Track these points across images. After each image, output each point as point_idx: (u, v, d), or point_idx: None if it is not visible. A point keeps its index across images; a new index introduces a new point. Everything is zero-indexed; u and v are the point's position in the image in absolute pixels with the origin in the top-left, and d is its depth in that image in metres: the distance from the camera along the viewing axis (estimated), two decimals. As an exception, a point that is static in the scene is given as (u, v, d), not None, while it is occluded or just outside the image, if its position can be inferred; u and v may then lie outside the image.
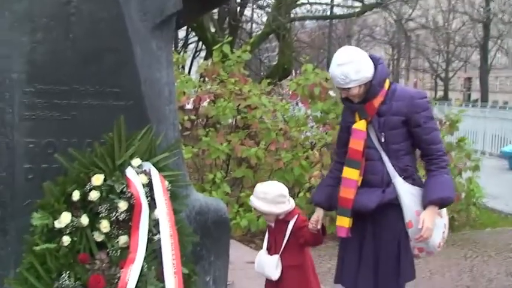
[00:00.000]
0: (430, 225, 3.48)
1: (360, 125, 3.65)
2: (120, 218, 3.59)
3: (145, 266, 3.58)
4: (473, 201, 8.57)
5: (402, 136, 3.62)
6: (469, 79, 62.60)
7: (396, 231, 3.63)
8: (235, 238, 7.18)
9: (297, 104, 8.94)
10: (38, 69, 3.77)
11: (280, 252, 4.06)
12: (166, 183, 3.76)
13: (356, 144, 3.66)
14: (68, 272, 3.45)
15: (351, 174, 3.67)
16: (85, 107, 3.87)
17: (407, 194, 3.59)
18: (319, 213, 3.98)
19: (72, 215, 3.53)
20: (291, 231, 4.05)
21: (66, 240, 3.50)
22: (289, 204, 4.09)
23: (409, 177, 3.64)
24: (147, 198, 3.63)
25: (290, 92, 8.46)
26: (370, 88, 3.60)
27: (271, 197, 4.05)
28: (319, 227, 3.96)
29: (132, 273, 3.52)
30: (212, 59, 8.46)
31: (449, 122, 8.55)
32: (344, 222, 3.69)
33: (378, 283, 3.65)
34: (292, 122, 8.02)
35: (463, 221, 8.78)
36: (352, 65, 3.54)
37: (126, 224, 3.62)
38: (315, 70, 8.02)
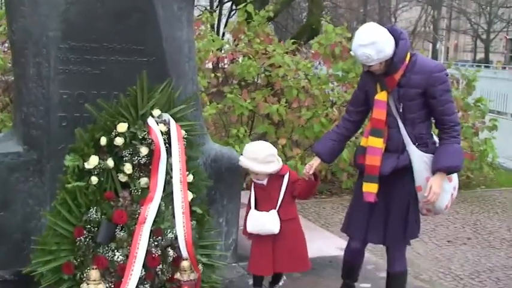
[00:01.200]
0: (437, 190, 3.72)
1: (382, 95, 3.84)
2: (142, 162, 4.07)
3: (163, 204, 4.08)
4: (487, 160, 8.83)
5: (418, 106, 3.81)
6: (511, 40, 61.35)
7: (406, 193, 3.88)
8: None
9: (319, 63, 9.25)
10: (72, 27, 4.24)
11: (278, 206, 4.12)
12: (183, 132, 4.22)
13: (379, 114, 3.81)
14: (95, 208, 3.96)
15: (376, 142, 3.82)
16: (112, 62, 4.34)
17: (420, 160, 3.81)
18: (315, 161, 4.10)
19: (100, 158, 4.02)
20: (286, 185, 4.15)
21: (94, 179, 4.00)
22: (279, 162, 4.17)
23: (423, 144, 3.84)
24: (165, 144, 4.10)
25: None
26: (391, 64, 3.75)
27: (261, 157, 4.10)
28: (311, 172, 4.05)
29: (150, 210, 4.01)
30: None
31: (465, 81, 8.83)
32: (372, 188, 3.82)
33: (385, 238, 3.95)
34: (314, 80, 8.32)
35: (479, 181, 9.11)
36: (374, 46, 3.67)
37: (147, 167, 4.11)
38: (335, 30, 8.34)
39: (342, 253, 4.15)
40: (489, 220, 7.17)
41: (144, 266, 3.93)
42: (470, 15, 50.91)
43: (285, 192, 4.13)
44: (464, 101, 8.83)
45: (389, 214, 3.90)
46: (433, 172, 3.75)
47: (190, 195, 4.19)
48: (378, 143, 3.81)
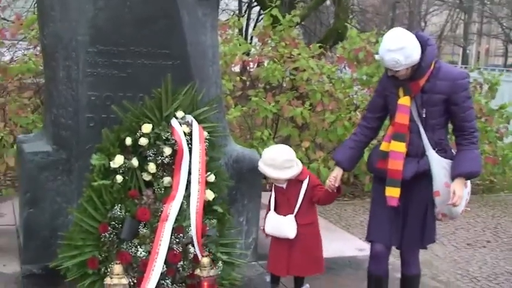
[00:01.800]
0: (461, 193, 3.76)
1: (405, 100, 3.79)
2: (165, 162, 4.22)
3: (185, 203, 4.22)
4: (511, 165, 8.80)
5: (440, 112, 3.84)
6: (543, 45, 60.40)
7: (424, 198, 3.90)
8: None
9: (344, 67, 9.33)
10: (100, 32, 4.41)
11: (296, 212, 4.15)
12: (206, 133, 4.36)
13: (402, 118, 3.80)
14: (119, 205, 4.11)
15: (398, 147, 3.81)
16: (139, 66, 4.50)
17: (439, 166, 3.84)
18: (338, 171, 4.08)
19: (125, 158, 4.18)
20: (305, 191, 4.16)
21: (119, 178, 4.16)
22: (298, 167, 4.19)
23: (442, 149, 3.88)
24: (188, 145, 4.24)
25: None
26: (418, 69, 3.76)
27: (279, 162, 4.12)
28: (337, 184, 4.05)
29: (172, 208, 4.16)
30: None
31: (488, 85, 8.85)
32: (394, 192, 3.81)
33: (402, 242, 3.95)
34: (338, 84, 8.41)
35: (502, 185, 9.11)
36: (402, 51, 3.64)
37: (170, 167, 4.26)
38: (360, 35, 8.44)
39: (361, 254, 4.17)
40: (510, 224, 7.18)
41: (165, 262, 4.07)
42: (501, 19, 50.35)
43: (303, 197, 4.15)
44: (488, 106, 8.83)
45: (407, 218, 3.93)
46: (453, 177, 3.78)
47: (211, 195, 4.33)
48: (401, 147, 3.82)
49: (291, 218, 4.14)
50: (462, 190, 3.76)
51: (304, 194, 4.15)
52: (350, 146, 4.11)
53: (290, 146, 7.97)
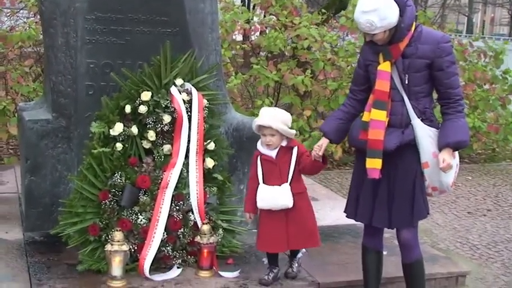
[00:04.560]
0: (450, 161, 3.63)
1: (385, 66, 3.64)
2: (165, 129, 4.23)
3: (185, 171, 4.24)
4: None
5: (424, 78, 3.71)
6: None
7: (412, 171, 3.70)
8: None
9: (347, 34, 9.27)
10: (98, -1, 4.38)
11: (290, 180, 4.00)
12: (205, 101, 4.36)
13: (382, 85, 3.65)
14: (119, 173, 4.13)
15: (379, 115, 3.65)
16: (137, 33, 4.47)
17: (425, 135, 3.65)
18: (323, 141, 3.91)
19: (124, 125, 4.19)
20: (296, 158, 4.03)
21: (119, 146, 4.17)
22: (293, 131, 4.08)
23: (427, 119, 3.75)
24: (187, 113, 4.24)
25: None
26: (397, 32, 3.62)
27: (281, 117, 4.00)
28: (320, 153, 3.88)
29: (172, 175, 4.17)
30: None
31: (493, 54, 8.80)
32: (376, 163, 3.64)
33: (391, 220, 3.80)
34: (341, 52, 8.37)
35: (505, 154, 9.10)
36: (377, 13, 3.47)
37: (169, 135, 4.26)
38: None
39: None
40: (511, 192, 7.20)
41: (166, 229, 4.11)
42: (507, -13, 49.86)
43: (295, 165, 4.02)
44: (492, 72, 8.77)
45: (394, 195, 3.74)
46: (441, 148, 3.64)
47: (211, 162, 4.34)
48: (381, 115, 3.64)
49: (286, 186, 3.98)
50: (451, 159, 3.63)
51: (296, 161, 4.02)
52: (338, 117, 3.94)
53: (291, 115, 8.05)
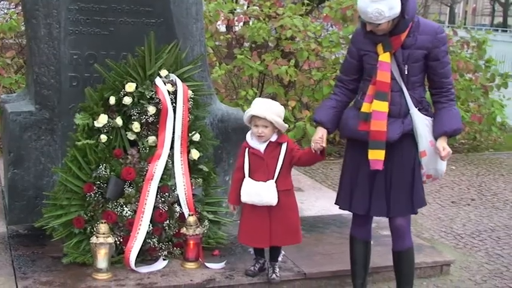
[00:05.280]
0: (449, 149, 3.67)
1: (385, 57, 3.62)
2: (149, 121, 4.21)
3: (170, 162, 4.22)
4: (497, 122, 8.83)
5: (420, 68, 3.67)
6: (530, 4, 60.21)
7: (411, 160, 3.71)
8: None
9: (331, 26, 9.26)
10: (81, -11, 4.34)
11: (276, 177, 3.92)
12: (190, 92, 4.33)
13: (384, 76, 3.63)
14: (104, 164, 4.10)
15: (381, 106, 3.63)
16: (121, 24, 4.45)
17: (423, 124, 3.68)
18: (323, 131, 3.83)
19: (109, 117, 4.16)
20: (285, 154, 3.95)
21: (103, 137, 4.14)
22: (286, 125, 4.01)
23: (423, 108, 3.77)
24: (172, 104, 4.22)
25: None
26: (400, 22, 3.61)
27: (275, 110, 3.93)
28: (324, 144, 3.79)
29: (158, 167, 4.15)
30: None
31: (476, 44, 8.85)
32: (379, 155, 3.63)
33: (390, 210, 3.79)
34: (325, 42, 8.35)
35: (488, 144, 9.16)
36: (386, 2, 3.47)
37: (154, 126, 4.24)
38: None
39: (346, 212, 4.01)
40: (494, 182, 7.25)
41: (151, 221, 4.09)
42: (489, -23, 50.00)
43: (283, 161, 3.94)
44: (476, 62, 8.81)
45: (392, 184, 3.75)
46: (438, 136, 3.69)
47: (197, 154, 4.32)
48: (383, 106, 3.63)
49: (271, 183, 3.89)
50: (448, 147, 3.69)
51: (284, 158, 3.94)
52: (332, 105, 3.87)
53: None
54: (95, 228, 3.96)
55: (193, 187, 4.28)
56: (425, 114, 3.73)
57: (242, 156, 4.01)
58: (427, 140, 3.71)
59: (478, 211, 6.15)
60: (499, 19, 52.61)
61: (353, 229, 3.99)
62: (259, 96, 8.34)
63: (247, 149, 3.99)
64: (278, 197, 3.90)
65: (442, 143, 3.68)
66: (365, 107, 3.70)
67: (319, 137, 3.80)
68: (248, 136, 4.02)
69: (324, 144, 3.80)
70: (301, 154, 3.95)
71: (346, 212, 4.02)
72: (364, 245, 3.98)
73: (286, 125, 4.03)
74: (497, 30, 31.05)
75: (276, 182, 3.91)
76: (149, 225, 4.08)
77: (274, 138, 3.95)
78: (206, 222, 4.33)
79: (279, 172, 3.93)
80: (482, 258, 4.98)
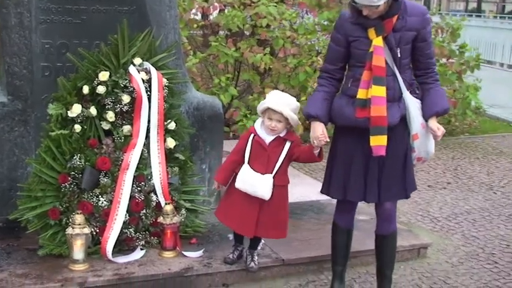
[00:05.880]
0: (443, 129, 3.68)
1: (379, 41, 3.59)
2: (124, 110, 4.16)
3: (145, 151, 4.18)
4: (471, 107, 8.90)
5: (409, 50, 3.67)
6: (504, -10, 60.58)
7: (403, 144, 3.70)
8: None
9: (306, 12, 9.25)
10: (51, -23, 4.27)
11: (275, 172, 3.88)
12: (165, 80, 4.29)
13: (379, 60, 3.59)
14: (79, 155, 4.06)
15: (379, 91, 3.59)
16: (93, 12, 4.38)
17: (415, 107, 3.68)
18: (322, 126, 3.73)
19: (83, 106, 4.11)
20: (287, 151, 3.89)
21: (77, 127, 4.09)
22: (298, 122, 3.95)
23: (413, 91, 3.78)
24: (146, 92, 4.18)
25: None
26: (393, 5, 3.55)
27: (293, 106, 3.87)
28: (327, 139, 3.72)
29: (133, 156, 4.12)
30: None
31: (450, 29, 8.88)
32: (381, 140, 3.59)
33: (382, 194, 3.77)
34: (301, 29, 8.32)
35: (463, 128, 9.23)
36: None
37: (129, 115, 4.20)
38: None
39: (323, 198, 4.04)
40: (470, 165, 7.31)
41: (128, 211, 4.06)
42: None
43: (284, 158, 3.89)
44: (449, 47, 8.85)
45: (385, 169, 3.72)
46: (429, 116, 3.68)
47: (172, 142, 4.29)
48: (382, 91, 3.59)
49: (269, 178, 3.86)
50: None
51: (286, 154, 3.89)
52: (323, 97, 3.77)
53: (252, 93, 8.01)
54: (70, 219, 3.92)
55: (170, 176, 4.25)
56: (415, 97, 3.73)
57: (245, 140, 3.94)
58: (419, 122, 3.70)
59: (454, 194, 6.20)
60: (473, 4, 52.89)
61: (337, 217, 3.96)
62: (235, 84, 8.32)
63: (252, 135, 3.92)
64: (272, 192, 3.86)
65: (435, 123, 3.68)
66: (361, 93, 3.64)
67: (321, 133, 3.71)
68: (258, 124, 3.94)
69: (327, 139, 3.72)
70: (300, 152, 3.90)
71: (324, 198, 4.02)
72: (346, 234, 3.97)
73: (299, 122, 3.97)
74: (471, 15, 31.23)
75: (274, 177, 3.87)
76: (126, 215, 4.05)
77: (283, 133, 3.90)
78: (183, 211, 4.31)
79: (279, 167, 3.89)
80: (458, 241, 5.02)
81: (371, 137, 3.60)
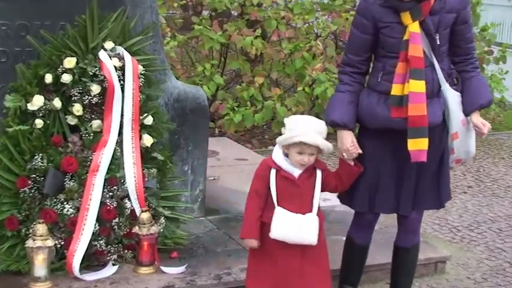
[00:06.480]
0: (489, 124, 3.70)
1: (416, 27, 3.56)
2: (93, 102, 4.16)
3: (118, 150, 4.19)
4: (495, 98, 8.90)
5: (448, 36, 3.64)
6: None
7: (441, 145, 3.70)
8: (231, 137, 7.79)
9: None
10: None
11: (316, 209, 3.65)
12: (141, 67, 4.30)
13: (417, 50, 3.55)
14: (40, 154, 4.05)
15: (418, 86, 3.54)
16: (58, -12, 4.38)
17: (456, 102, 3.66)
18: (351, 136, 3.70)
19: (45, 98, 4.11)
20: (321, 182, 3.69)
21: (39, 122, 4.09)
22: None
23: (452, 82, 3.71)
24: (119, 82, 4.18)
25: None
26: None
27: (323, 130, 3.66)
28: (360, 151, 3.68)
29: (104, 156, 4.12)
30: None
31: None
32: (422, 144, 3.55)
33: (415, 204, 3.78)
34: (297, 8, 8.33)
35: (486, 123, 9.26)
36: None
37: (99, 108, 4.20)
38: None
39: (325, 204, 4.04)
40: (494, 166, 7.37)
41: (97, 219, 4.06)
42: None
43: (319, 190, 3.68)
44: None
45: (420, 175, 3.72)
46: (473, 110, 3.68)
47: (149, 140, 4.30)
48: (421, 86, 3.55)
49: (314, 218, 3.61)
50: None
51: (320, 186, 3.68)
52: (349, 100, 3.73)
53: (241, 82, 8.02)
54: (30, 230, 3.92)
55: (146, 179, 4.26)
56: (455, 89, 3.72)
57: (265, 179, 3.69)
58: (459, 119, 3.69)
59: (476, 200, 6.25)
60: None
61: (354, 232, 3.95)
62: (221, 73, 8.33)
63: (274, 171, 3.68)
64: None
65: (479, 118, 3.69)
66: (396, 89, 3.60)
67: (351, 144, 3.68)
68: (279, 155, 3.69)
69: (360, 150, 3.69)
70: (334, 177, 3.75)
71: (325, 204, 4.04)
72: (364, 251, 3.99)
73: (331, 146, 3.71)
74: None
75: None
76: (95, 224, 4.05)
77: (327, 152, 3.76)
78: (162, 220, 4.32)
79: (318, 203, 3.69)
80: (481, 254, 5.06)
81: (409, 140, 3.57)
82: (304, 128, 3.60)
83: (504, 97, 9.40)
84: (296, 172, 3.64)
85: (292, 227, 3.59)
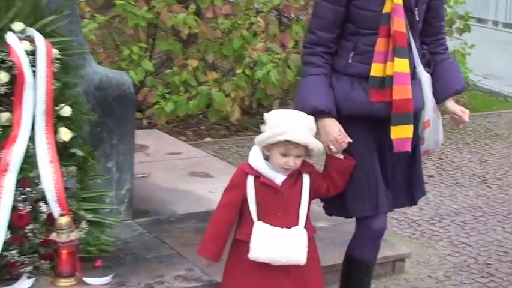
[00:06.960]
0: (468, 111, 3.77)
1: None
2: (1, 92, 4.12)
3: (31, 146, 4.15)
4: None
5: (424, 12, 3.68)
6: None
7: (416, 135, 3.65)
8: (163, 129, 7.78)
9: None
10: None
11: (303, 221, 3.52)
12: (55, 51, 4.27)
13: (400, 25, 3.52)
14: None
15: (403, 66, 3.53)
16: (-45, -40, 4.32)
17: (429, 87, 3.68)
18: (336, 123, 3.60)
19: None
20: (309, 188, 3.57)
21: None
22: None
23: (426, 63, 3.73)
24: (31, 68, 4.14)
25: None
26: None
27: (312, 126, 3.54)
28: (349, 139, 3.57)
29: (14, 153, 4.08)
30: None
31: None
32: (406, 132, 3.52)
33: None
34: (234, -20, 8.40)
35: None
36: None
37: (8, 99, 4.16)
38: None
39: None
40: (457, 153, 7.50)
41: (9, 226, 4.03)
42: None
43: (308, 198, 3.56)
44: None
45: (393, 171, 3.74)
46: (448, 96, 3.74)
47: (67, 134, 4.27)
48: (406, 66, 3.54)
49: (301, 231, 3.48)
50: None
51: (309, 193, 3.57)
52: (325, 83, 3.65)
53: (173, 66, 8.01)
54: None
55: (65, 178, 4.23)
56: (427, 71, 3.73)
57: (240, 188, 3.54)
58: (431, 105, 3.72)
59: (437, 190, 6.36)
60: None
61: (357, 248, 3.89)
62: (150, 56, 8.30)
63: (252, 178, 3.52)
64: None
65: (456, 105, 3.77)
66: (377, 69, 3.57)
67: (338, 132, 3.59)
68: (258, 158, 3.53)
69: (349, 139, 3.59)
70: (326, 176, 3.63)
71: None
72: (368, 269, 3.96)
73: (322, 146, 3.59)
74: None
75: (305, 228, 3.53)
76: (6, 232, 4.01)
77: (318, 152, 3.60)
78: (84, 224, 4.29)
79: (306, 213, 3.55)
80: (444, 249, 5.16)
81: (392, 127, 3.55)
82: (290, 124, 3.45)
83: (468, 77, 9.56)
84: (279, 178, 3.50)
85: (275, 244, 3.43)
